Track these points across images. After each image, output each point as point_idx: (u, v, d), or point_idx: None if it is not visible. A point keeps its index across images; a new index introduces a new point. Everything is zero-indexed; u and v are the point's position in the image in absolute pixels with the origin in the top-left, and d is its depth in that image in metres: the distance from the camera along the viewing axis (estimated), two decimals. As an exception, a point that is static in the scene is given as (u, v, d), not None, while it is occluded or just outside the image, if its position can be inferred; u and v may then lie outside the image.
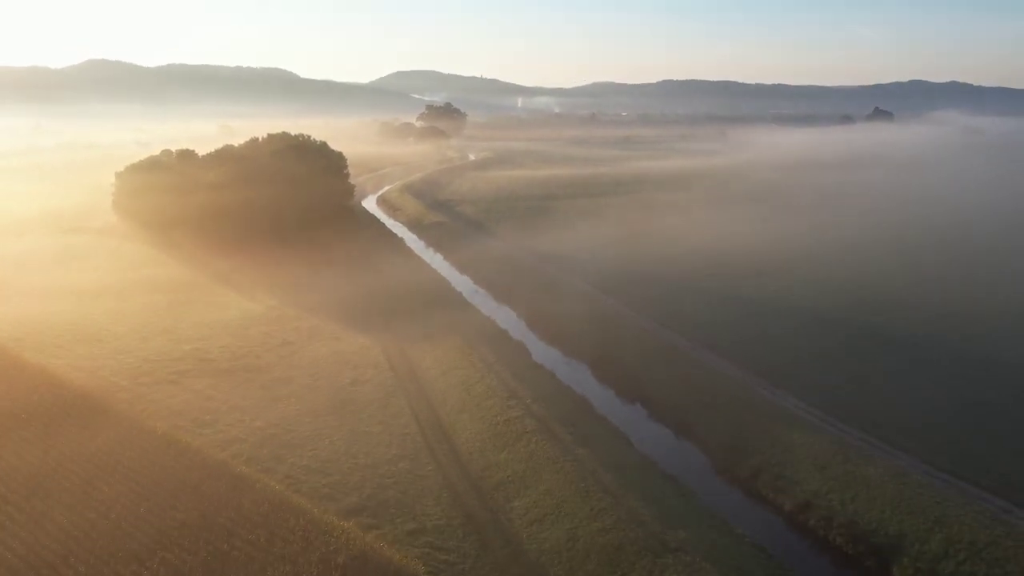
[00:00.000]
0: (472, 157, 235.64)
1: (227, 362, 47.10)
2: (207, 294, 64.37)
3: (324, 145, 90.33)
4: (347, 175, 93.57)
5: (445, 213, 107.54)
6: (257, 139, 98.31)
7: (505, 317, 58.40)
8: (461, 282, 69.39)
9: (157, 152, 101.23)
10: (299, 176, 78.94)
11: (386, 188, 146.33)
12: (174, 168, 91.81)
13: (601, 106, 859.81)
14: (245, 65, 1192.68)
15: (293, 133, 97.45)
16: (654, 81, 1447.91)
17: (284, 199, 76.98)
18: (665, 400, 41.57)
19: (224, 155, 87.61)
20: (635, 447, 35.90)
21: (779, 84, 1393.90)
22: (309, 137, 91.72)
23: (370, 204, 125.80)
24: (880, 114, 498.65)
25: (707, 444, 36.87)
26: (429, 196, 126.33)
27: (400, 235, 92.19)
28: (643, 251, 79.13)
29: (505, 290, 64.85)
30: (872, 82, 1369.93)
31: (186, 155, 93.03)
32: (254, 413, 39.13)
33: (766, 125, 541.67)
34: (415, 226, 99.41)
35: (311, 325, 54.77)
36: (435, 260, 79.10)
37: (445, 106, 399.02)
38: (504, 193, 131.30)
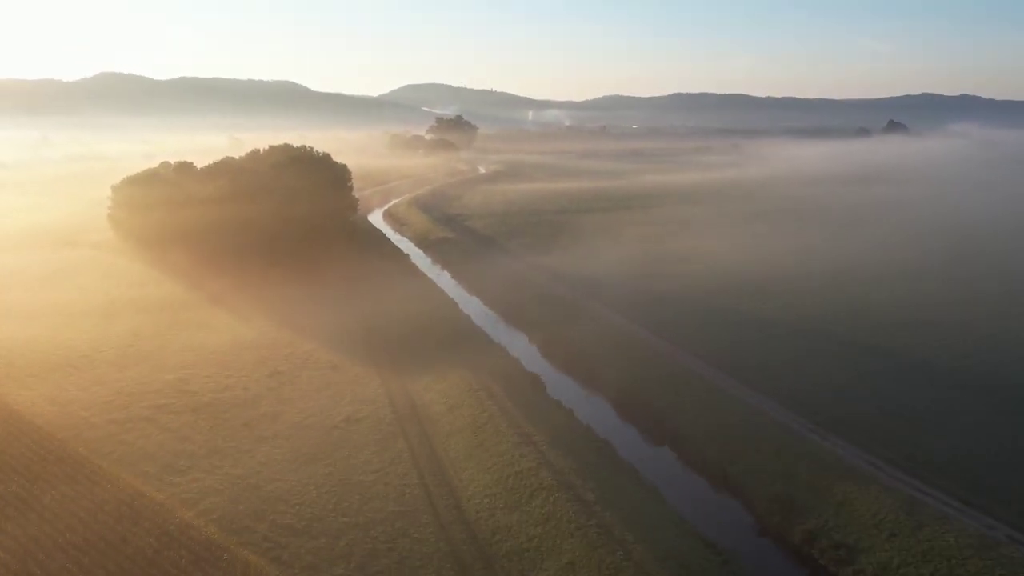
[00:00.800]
0: (482, 170, 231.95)
1: (210, 394, 42.67)
2: (198, 315, 60.09)
3: (327, 157, 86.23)
4: (351, 188, 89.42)
5: (454, 228, 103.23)
6: (258, 151, 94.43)
7: (517, 344, 53.76)
8: (470, 304, 64.83)
9: (158, 165, 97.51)
10: (300, 190, 74.75)
11: (393, 202, 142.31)
12: (171, 181, 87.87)
13: (611, 119, 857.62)
14: (257, 78, 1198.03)
15: (296, 145, 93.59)
16: (664, 94, 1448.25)
17: (284, 214, 72.80)
18: (699, 443, 36.77)
19: (223, 168, 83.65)
20: (668, 505, 31.08)
21: (789, 97, 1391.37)
22: (311, 149, 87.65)
23: (376, 218, 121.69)
24: (895, 127, 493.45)
25: (751, 499, 32.04)
26: (437, 210, 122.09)
27: (406, 252, 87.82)
28: (665, 270, 74.47)
29: (517, 313, 60.23)
30: (883, 95, 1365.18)
31: (184, 168, 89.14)
32: (234, 458, 34.61)
33: (779, 138, 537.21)
34: (422, 242, 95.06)
35: (306, 352, 50.31)
36: (442, 279, 74.63)
37: (456, 118, 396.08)
38: (515, 207, 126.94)
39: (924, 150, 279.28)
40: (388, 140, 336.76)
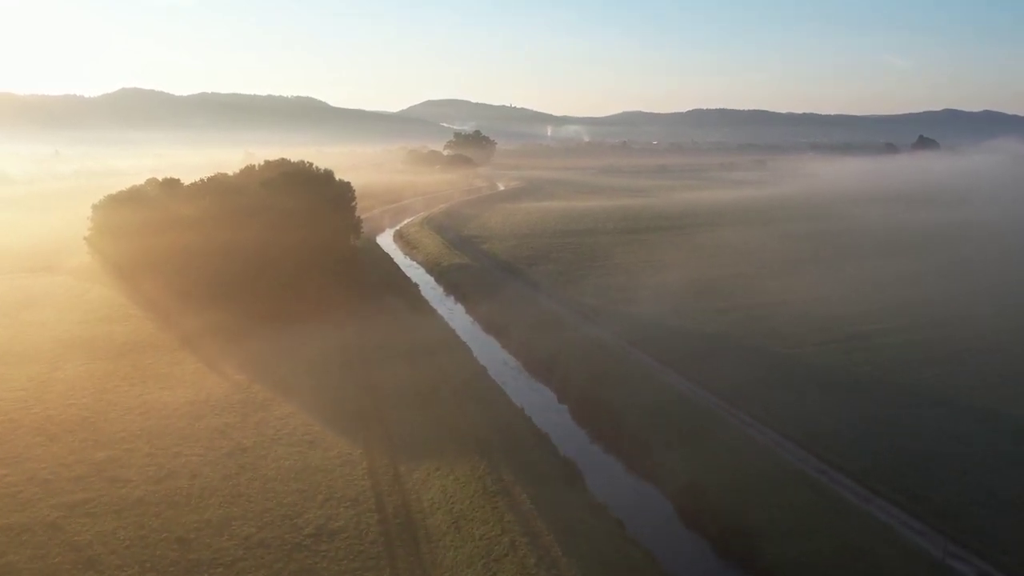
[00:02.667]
0: (501, 187, 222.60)
1: (146, 486, 32.57)
2: (162, 363, 50.20)
3: (327, 174, 76.61)
4: (354, 208, 79.70)
5: (470, 252, 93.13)
6: (253, 167, 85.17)
7: (548, 412, 43.03)
8: (486, 349, 54.50)
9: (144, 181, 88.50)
10: (293, 212, 65.05)
11: (406, 221, 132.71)
12: (154, 201, 78.68)
13: (631, 135, 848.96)
14: (277, 94, 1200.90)
15: (306, 160, 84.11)
16: (684, 110, 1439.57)
17: (272, 240, 63.07)
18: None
19: (210, 186, 74.24)
20: None
21: (809, 113, 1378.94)
22: (310, 165, 78.06)
23: (386, 240, 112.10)
24: (925, 143, 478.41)
25: None
26: (452, 231, 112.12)
27: (416, 281, 77.77)
28: (722, 309, 63.72)
29: (545, 365, 49.72)
30: (904, 111, 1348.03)
31: (170, 185, 79.92)
32: (151, 601, 24.47)
33: (804, 154, 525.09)
34: (434, 268, 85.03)
35: (280, 418, 40.15)
36: (455, 317, 64.37)
37: (474, 134, 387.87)
38: (537, 228, 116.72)
39: (962, 167, 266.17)
40: (405, 156, 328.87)
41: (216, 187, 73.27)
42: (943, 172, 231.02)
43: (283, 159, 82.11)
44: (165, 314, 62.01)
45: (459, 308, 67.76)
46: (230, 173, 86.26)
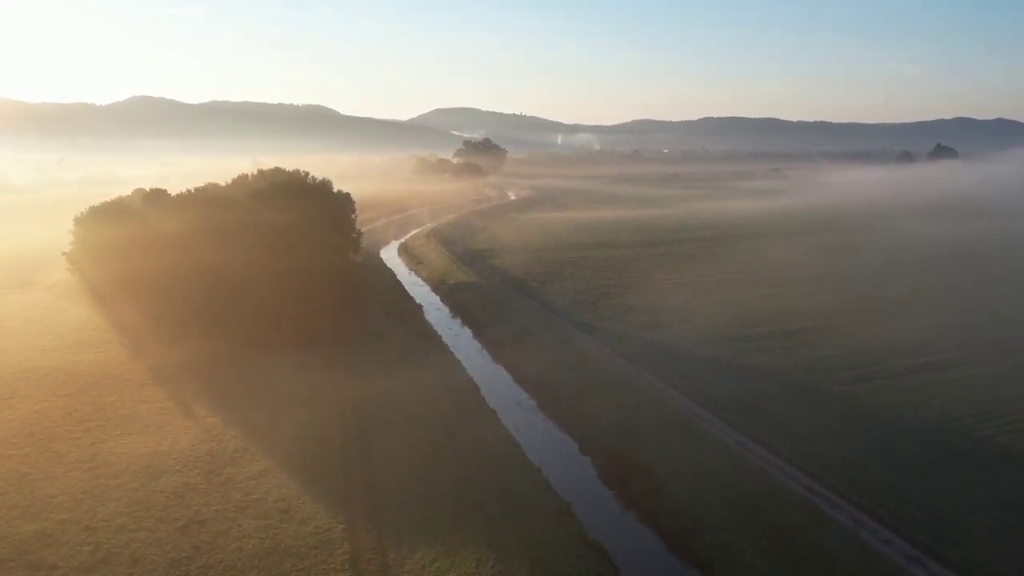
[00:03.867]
0: (512, 196, 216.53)
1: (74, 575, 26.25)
2: (129, 400, 43.93)
3: (324, 185, 70.51)
4: (354, 221, 73.60)
5: (479, 268, 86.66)
6: (247, 176, 79.23)
7: (571, 472, 36.25)
8: (495, 384, 47.89)
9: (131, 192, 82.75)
10: (285, 226, 58.86)
11: (412, 232, 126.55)
12: (137, 214, 72.79)
13: (641, 143, 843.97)
14: (287, 102, 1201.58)
15: (292, 168, 78.19)
16: (694, 118, 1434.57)
17: (262, 257, 56.84)
18: None
19: (196, 198, 68.22)
20: None
21: (821, 121, 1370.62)
22: (306, 175, 71.93)
23: (390, 253, 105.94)
24: (943, 151, 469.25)
25: None
26: (461, 244, 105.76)
27: (420, 301, 71.33)
28: (757, 336, 56.87)
29: (563, 405, 43.07)
30: (915, 119, 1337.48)
31: (156, 197, 73.97)
32: None
33: (819, 163, 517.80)
34: (440, 286, 78.60)
35: (253, 476, 33.73)
36: (460, 342, 57.82)
37: (484, 142, 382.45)
38: (550, 241, 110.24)
39: (985, 177, 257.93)
40: (414, 164, 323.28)
41: (202, 200, 67.21)
42: (968, 182, 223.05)
43: (277, 168, 76.20)
44: (141, 341, 55.78)
45: (466, 333, 61.17)
46: (222, 183, 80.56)
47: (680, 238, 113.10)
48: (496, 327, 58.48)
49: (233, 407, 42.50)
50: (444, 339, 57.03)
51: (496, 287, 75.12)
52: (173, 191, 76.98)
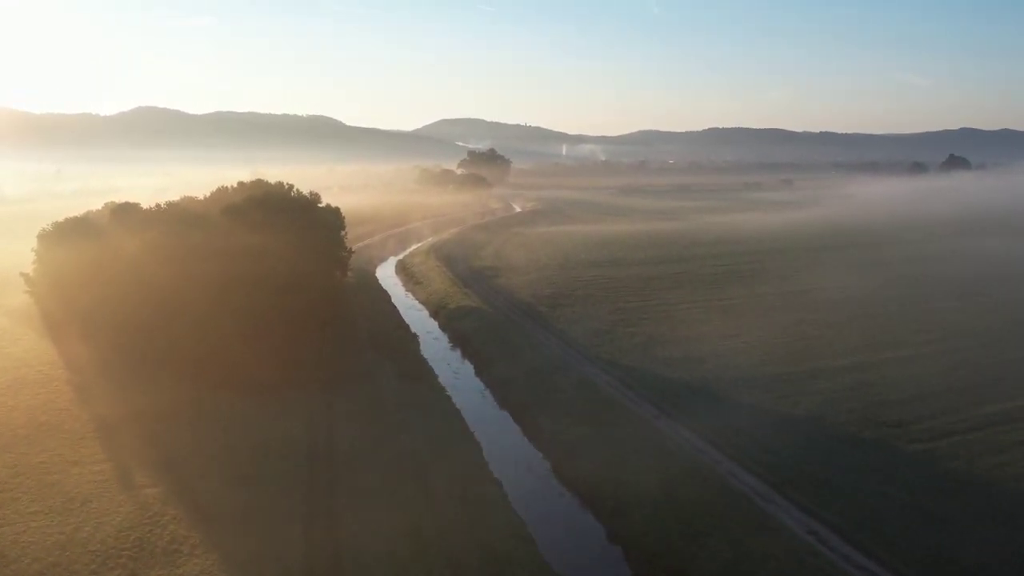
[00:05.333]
0: (517, 208, 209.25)
1: None
2: (59, 464, 36.30)
3: (310, 198, 63.13)
4: (343, 239, 66.20)
5: (482, 290, 79.02)
6: (227, 188, 71.97)
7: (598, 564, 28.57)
8: (501, 442, 40.14)
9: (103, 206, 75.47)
10: (258, 247, 51.41)
11: (412, 247, 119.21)
12: (105, 231, 65.53)
13: (646, 153, 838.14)
14: (292, 113, 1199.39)
15: (291, 179, 70.80)
16: (700, 129, 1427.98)
17: (233, 281, 49.40)
18: None
19: (166, 214, 60.91)
20: None
21: (826, 132, 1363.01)
22: (290, 188, 64.52)
23: (386, 271, 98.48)
24: (956, 162, 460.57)
25: None
26: (463, 262, 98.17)
27: (415, 329, 63.73)
28: (808, 375, 48.96)
29: (586, 473, 35.12)
30: (921, 130, 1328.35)
31: (124, 212, 66.60)
32: None
33: (829, 173, 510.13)
34: (439, 311, 70.94)
35: (187, 581, 26.14)
36: (460, 382, 50.00)
37: (488, 152, 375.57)
38: (559, 258, 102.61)
39: (1010, 188, 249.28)
40: (418, 175, 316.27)
41: (172, 216, 59.85)
42: (990, 193, 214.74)
43: (260, 180, 68.86)
44: (91, 380, 48.22)
45: (467, 370, 53.41)
46: (201, 196, 73.29)
47: (698, 254, 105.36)
48: (501, 364, 50.70)
49: (180, 472, 34.91)
50: (441, 379, 49.12)
51: (501, 313, 67.43)
52: (161, 203, 69.57)
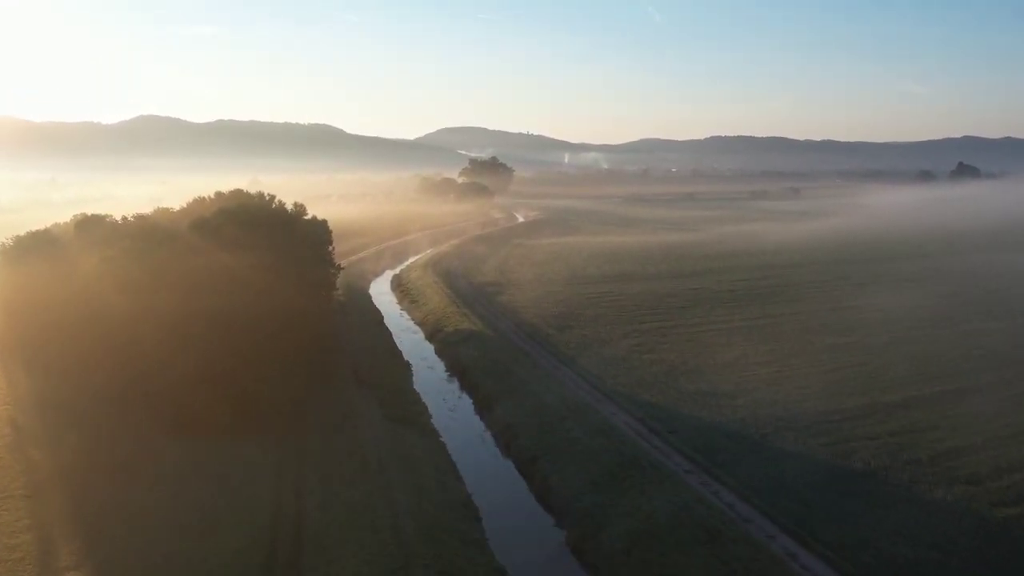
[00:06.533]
0: (520, 218, 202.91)
1: None
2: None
3: (291, 213, 56.80)
4: (330, 256, 59.86)
5: (484, 309, 72.65)
6: (204, 199, 65.78)
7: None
8: (506, 505, 33.65)
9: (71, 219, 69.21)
10: (231, 269, 45.09)
11: (410, 260, 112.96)
12: (67, 247, 59.34)
13: (649, 162, 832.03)
14: (294, 121, 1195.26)
15: (271, 189, 64.43)
16: (702, 137, 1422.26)
17: (197, 306, 43.14)
18: None
19: (135, 227, 54.66)
20: None
21: (828, 140, 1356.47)
22: (271, 200, 58.21)
23: (381, 287, 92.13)
24: (965, 170, 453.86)
25: None
26: (463, 278, 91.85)
27: (408, 355, 57.34)
28: (856, 414, 42.45)
29: (610, 552, 28.65)
30: (923, 138, 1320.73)
31: (89, 225, 60.38)
32: None
33: (834, 182, 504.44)
34: (436, 334, 64.48)
35: None
36: (457, 425, 43.52)
37: (490, 160, 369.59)
38: (566, 272, 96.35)
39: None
40: (418, 183, 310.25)
41: (139, 231, 53.58)
42: (1013, 203, 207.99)
43: (238, 190, 62.55)
44: (29, 427, 41.84)
45: (465, 407, 46.80)
46: (177, 207, 67.12)
47: (712, 268, 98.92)
48: (505, 402, 44.13)
49: (114, 547, 28.55)
50: (435, 420, 42.66)
51: (503, 337, 60.98)
52: (129, 215, 63.26)
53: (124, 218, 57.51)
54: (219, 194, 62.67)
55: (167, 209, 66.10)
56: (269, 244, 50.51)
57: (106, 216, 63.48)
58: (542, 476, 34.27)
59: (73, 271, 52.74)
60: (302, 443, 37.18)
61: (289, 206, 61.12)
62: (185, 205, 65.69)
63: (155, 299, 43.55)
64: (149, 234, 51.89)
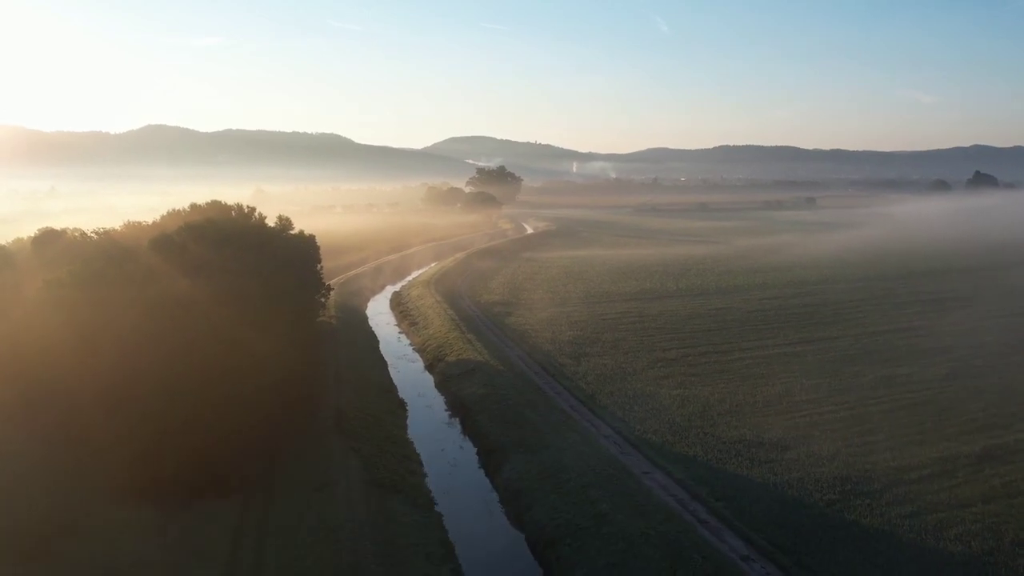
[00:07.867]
0: (529, 229, 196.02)
1: None
2: None
3: (274, 229, 49.95)
4: (319, 278, 52.96)
5: (491, 335, 65.51)
6: (180, 211, 59.08)
7: None
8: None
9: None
10: (190, 304, 38.18)
11: (412, 276, 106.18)
12: (24, 267, 52.56)
13: (657, 171, 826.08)
14: (301, 131, 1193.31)
15: (230, 203, 57.50)
16: (711, 146, 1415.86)
17: (155, 341, 36.29)
18: None
19: (95, 245, 47.94)
20: None
21: (837, 149, 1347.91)
22: (252, 211, 51.39)
23: (379, 307, 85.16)
24: (982, 179, 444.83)
25: None
26: (468, 297, 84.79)
27: (404, 392, 50.23)
28: (954, 473, 35.20)
29: None
30: (932, 147, 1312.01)
31: (46, 241, 53.67)
32: None
33: (847, 191, 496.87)
34: (435, 364, 57.26)
35: None
36: (458, 484, 36.38)
37: (498, 169, 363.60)
38: (580, 289, 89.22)
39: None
40: (425, 193, 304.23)
41: (97, 249, 46.83)
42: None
43: (216, 201, 55.73)
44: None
45: (467, 462, 39.63)
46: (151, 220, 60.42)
47: (738, 285, 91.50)
48: (515, 459, 36.72)
49: None
50: (430, 480, 35.46)
51: (513, 369, 53.74)
52: (90, 231, 56.55)
53: (82, 233, 50.79)
54: (194, 206, 55.87)
55: (138, 223, 59.41)
56: (239, 267, 43.64)
57: (71, 230, 56.95)
58: (564, 568, 26.98)
59: (18, 296, 46.03)
60: (271, 504, 30.12)
61: (273, 220, 54.48)
62: (158, 219, 59.08)
63: (98, 339, 36.64)
64: (106, 253, 45.10)
